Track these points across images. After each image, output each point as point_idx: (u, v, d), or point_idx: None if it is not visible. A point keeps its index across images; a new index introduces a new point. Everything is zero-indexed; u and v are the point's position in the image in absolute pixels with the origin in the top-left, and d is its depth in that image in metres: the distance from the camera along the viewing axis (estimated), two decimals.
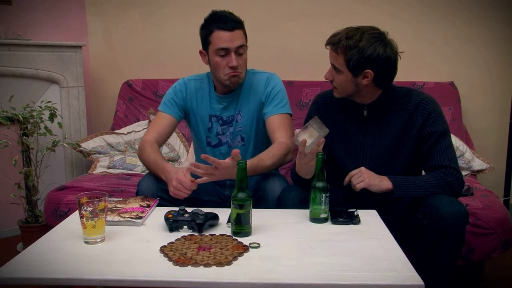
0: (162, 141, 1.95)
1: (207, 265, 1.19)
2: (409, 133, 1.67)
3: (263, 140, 1.96)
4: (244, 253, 1.27)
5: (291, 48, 2.98)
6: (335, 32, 1.64)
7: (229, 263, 1.21)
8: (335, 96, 1.71)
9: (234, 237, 1.38)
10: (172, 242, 1.34)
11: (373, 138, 1.71)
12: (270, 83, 1.94)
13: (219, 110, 1.97)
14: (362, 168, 1.62)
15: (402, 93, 1.71)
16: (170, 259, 1.23)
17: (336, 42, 1.60)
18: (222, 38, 1.82)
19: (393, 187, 1.58)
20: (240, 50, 1.84)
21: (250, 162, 1.68)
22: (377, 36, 1.59)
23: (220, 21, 1.82)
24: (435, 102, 1.69)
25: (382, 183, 1.59)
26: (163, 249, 1.29)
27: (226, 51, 1.83)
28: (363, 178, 1.59)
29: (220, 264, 1.20)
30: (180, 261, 1.21)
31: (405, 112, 1.68)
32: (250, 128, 1.97)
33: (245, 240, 1.37)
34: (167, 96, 2.01)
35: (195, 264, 1.20)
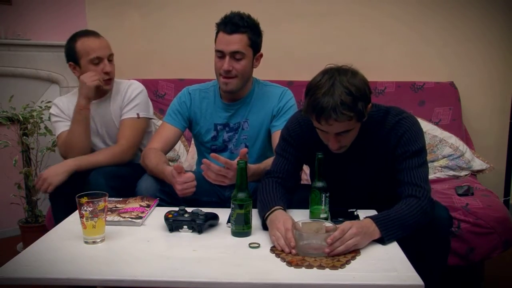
0: (166, 151, 1.95)
1: (320, 267, 1.19)
2: (385, 158, 1.57)
3: (265, 152, 1.97)
4: (356, 257, 1.26)
5: (291, 48, 2.98)
6: (322, 105, 1.37)
7: (342, 266, 1.20)
8: (340, 152, 1.54)
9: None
10: None
11: (352, 169, 1.62)
12: (284, 97, 1.94)
13: (226, 118, 1.97)
14: (353, 229, 1.30)
15: (379, 118, 1.57)
16: (283, 259, 1.23)
17: (340, 113, 1.37)
18: (220, 40, 1.83)
19: (382, 235, 1.36)
20: (237, 56, 1.82)
21: (256, 167, 1.68)
22: (352, 72, 1.44)
23: (223, 22, 1.83)
24: (412, 122, 1.55)
25: (371, 238, 1.35)
26: (273, 250, 1.30)
27: (222, 54, 1.83)
28: (347, 247, 1.28)
29: (334, 267, 1.19)
30: (294, 262, 1.21)
31: (380, 138, 1.56)
32: (256, 137, 1.96)
33: (245, 240, 1.37)
34: (172, 107, 2.01)
35: (309, 266, 1.20)
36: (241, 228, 1.40)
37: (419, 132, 1.55)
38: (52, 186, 1.85)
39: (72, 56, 2.04)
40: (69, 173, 1.89)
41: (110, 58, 2.06)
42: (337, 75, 1.41)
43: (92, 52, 2.00)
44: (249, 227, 1.42)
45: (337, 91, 1.38)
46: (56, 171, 1.88)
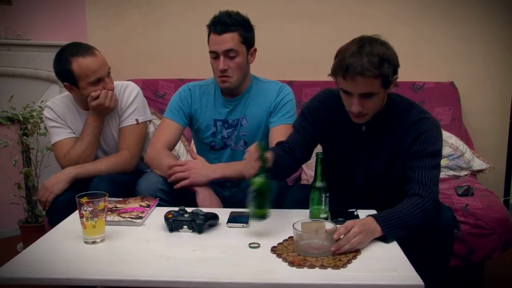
0: (170, 149, 1.95)
1: (322, 267, 1.19)
2: (400, 151, 1.58)
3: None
4: (357, 256, 1.26)
5: (291, 48, 2.99)
6: (349, 61, 1.42)
7: (344, 265, 1.20)
8: (361, 123, 1.56)
9: None
10: (281, 243, 1.35)
11: (366, 154, 1.63)
12: (281, 93, 1.96)
13: (225, 114, 1.98)
14: (356, 227, 1.32)
15: (403, 109, 1.60)
16: (284, 260, 1.24)
17: (366, 69, 1.40)
18: (212, 41, 1.85)
19: (384, 233, 1.36)
20: (230, 54, 1.84)
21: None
22: (382, 41, 1.48)
23: (213, 23, 1.85)
24: (434, 124, 1.56)
25: (373, 236, 1.36)
26: (274, 250, 1.30)
27: (216, 54, 1.85)
28: (352, 245, 1.29)
29: (336, 266, 1.19)
30: (296, 262, 1.21)
31: (401, 130, 1.57)
32: (255, 133, 1.97)
33: (245, 240, 1.37)
34: (173, 103, 2.01)
35: (311, 266, 1.20)
36: (261, 209, 1.39)
37: (439, 136, 1.56)
38: (53, 194, 1.81)
39: (69, 78, 1.92)
40: (69, 180, 1.85)
41: (108, 73, 1.97)
42: (366, 40, 1.46)
43: (92, 74, 1.89)
44: (266, 207, 1.40)
45: (365, 51, 1.42)
46: (56, 179, 1.85)
